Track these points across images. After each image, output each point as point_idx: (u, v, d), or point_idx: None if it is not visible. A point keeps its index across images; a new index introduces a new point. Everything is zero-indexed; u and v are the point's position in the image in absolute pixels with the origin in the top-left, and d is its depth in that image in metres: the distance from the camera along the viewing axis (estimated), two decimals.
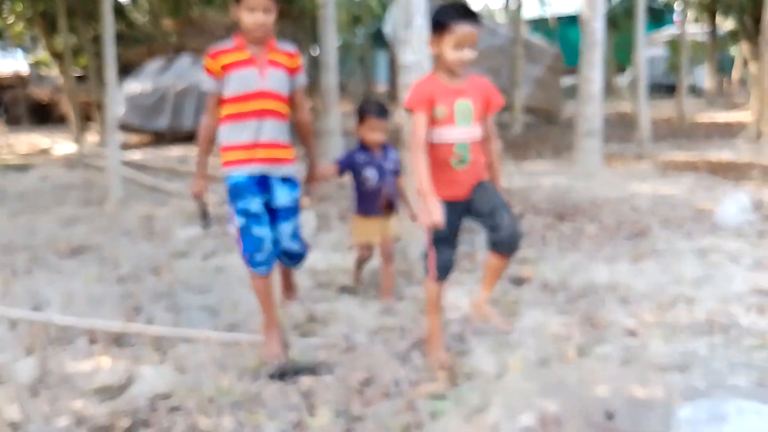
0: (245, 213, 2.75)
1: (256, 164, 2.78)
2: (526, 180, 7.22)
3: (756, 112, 10.20)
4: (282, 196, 2.86)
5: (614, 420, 1.97)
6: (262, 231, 2.77)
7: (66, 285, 3.83)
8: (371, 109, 3.28)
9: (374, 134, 3.25)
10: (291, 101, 2.89)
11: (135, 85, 12.80)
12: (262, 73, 2.74)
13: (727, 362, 2.55)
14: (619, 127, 11.71)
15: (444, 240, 2.65)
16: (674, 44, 21.10)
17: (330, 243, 4.72)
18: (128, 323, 3.20)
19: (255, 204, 2.77)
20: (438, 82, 2.55)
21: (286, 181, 2.88)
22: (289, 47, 2.89)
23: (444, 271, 2.68)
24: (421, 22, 4.12)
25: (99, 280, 3.98)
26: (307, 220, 5.02)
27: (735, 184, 6.49)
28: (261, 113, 2.75)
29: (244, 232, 2.76)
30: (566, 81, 16.58)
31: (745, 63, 20.37)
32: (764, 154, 8.44)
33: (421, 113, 2.48)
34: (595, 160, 7.31)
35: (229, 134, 2.79)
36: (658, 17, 21.82)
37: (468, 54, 2.45)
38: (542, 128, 13.65)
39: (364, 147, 3.30)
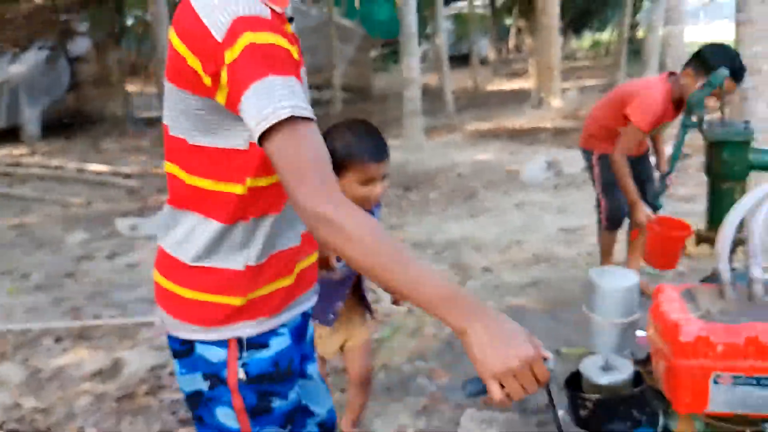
0: None
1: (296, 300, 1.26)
2: None
3: (536, 81, 12.29)
4: None
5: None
6: None
7: None
8: (363, 147, 1.73)
9: (372, 189, 1.74)
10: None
11: None
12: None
13: (533, 279, 3.78)
14: (426, 100, 13.29)
15: (614, 185, 3.03)
16: (459, 17, 23.55)
17: None
18: (86, 321, 3.68)
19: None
20: (669, 106, 2.87)
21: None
22: None
23: (615, 219, 3.16)
24: None
25: (20, 292, 4.27)
26: None
27: (531, 147, 8.16)
28: None
29: None
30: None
31: (519, 31, 23.47)
32: (547, 118, 10.41)
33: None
34: (420, 135, 8.59)
35: (262, 238, 1.17)
36: None
37: (714, 102, 2.55)
38: (359, 104, 14.86)
39: None
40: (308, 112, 0.97)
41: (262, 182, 1.11)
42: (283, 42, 1.00)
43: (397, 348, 2.96)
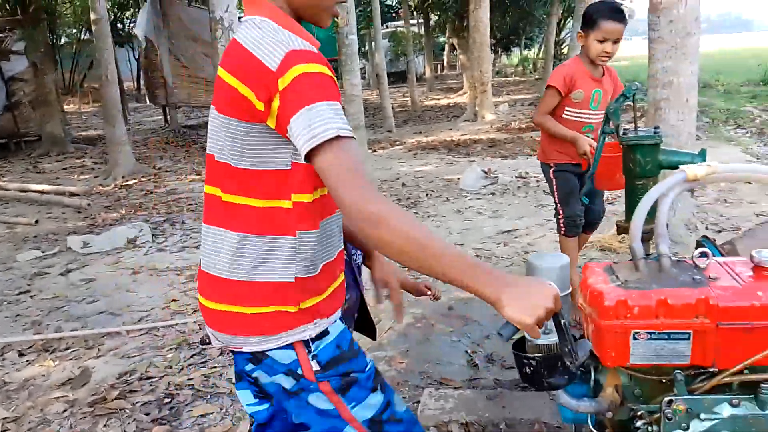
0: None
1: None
2: None
3: (470, 96, 12.81)
4: None
5: (454, 309, 3.37)
6: None
7: None
8: None
9: None
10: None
11: None
12: None
13: None
14: (367, 115, 13.64)
15: (570, 195, 3.25)
16: (395, 36, 24.10)
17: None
18: (50, 333, 3.74)
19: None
20: (582, 68, 3.11)
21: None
22: None
23: (573, 226, 3.28)
24: None
25: None
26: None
27: (467, 157, 8.57)
28: None
29: None
30: None
31: (453, 49, 24.21)
32: (481, 131, 10.90)
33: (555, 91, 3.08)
34: (364, 148, 8.86)
35: (308, 251, 1.30)
36: (383, 16, 24.65)
37: (610, 47, 2.96)
38: None
39: None
40: (351, 132, 1.14)
41: (306, 198, 1.25)
42: (328, 71, 1.17)
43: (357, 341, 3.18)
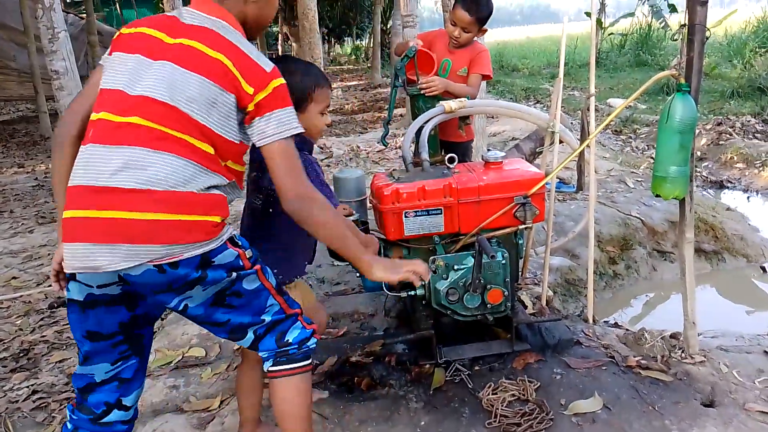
0: None
1: None
2: None
3: None
4: None
5: None
6: None
7: None
8: (320, 75, 1.89)
9: (326, 118, 1.94)
10: None
11: None
12: None
13: None
14: None
15: None
16: None
17: None
18: None
19: None
20: (444, 38, 3.31)
21: None
22: None
23: None
24: (64, 35, 5.14)
25: None
26: None
27: None
28: None
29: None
30: None
31: (286, 39, 24.50)
32: None
33: None
34: None
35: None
36: None
37: (458, 32, 3.19)
38: None
39: (304, 144, 1.88)
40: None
41: (237, 167, 1.58)
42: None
43: None
